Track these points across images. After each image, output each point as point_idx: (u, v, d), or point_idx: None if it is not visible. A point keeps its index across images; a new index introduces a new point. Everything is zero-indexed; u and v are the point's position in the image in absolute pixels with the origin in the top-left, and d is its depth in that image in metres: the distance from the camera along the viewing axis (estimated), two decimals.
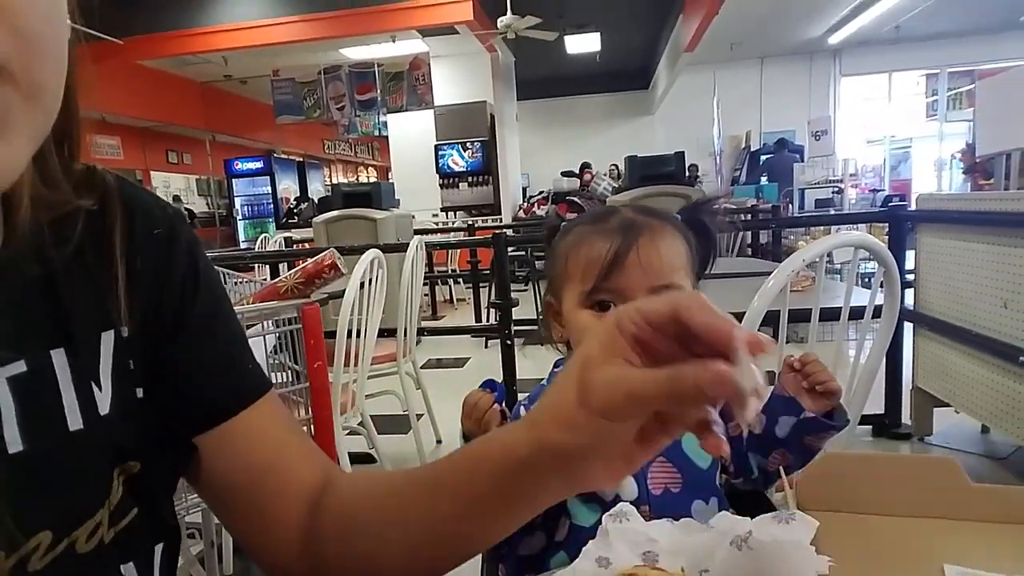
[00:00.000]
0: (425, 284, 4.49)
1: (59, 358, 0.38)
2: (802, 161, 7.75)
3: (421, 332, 3.07)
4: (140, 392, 0.43)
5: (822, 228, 4.34)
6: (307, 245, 5.21)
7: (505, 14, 5.75)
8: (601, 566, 0.45)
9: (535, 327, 4.92)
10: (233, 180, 10.64)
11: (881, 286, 1.21)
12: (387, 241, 4.29)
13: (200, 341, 0.45)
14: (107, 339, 0.41)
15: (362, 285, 1.95)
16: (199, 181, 11.16)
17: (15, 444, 0.35)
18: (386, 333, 2.44)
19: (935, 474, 0.58)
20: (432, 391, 2.81)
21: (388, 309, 2.29)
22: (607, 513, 0.52)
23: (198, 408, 0.45)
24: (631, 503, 0.69)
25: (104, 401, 0.40)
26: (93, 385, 0.39)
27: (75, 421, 0.38)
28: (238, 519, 0.47)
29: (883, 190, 9.03)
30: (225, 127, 10.31)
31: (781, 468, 0.73)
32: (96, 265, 0.41)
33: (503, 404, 0.76)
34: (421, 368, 2.89)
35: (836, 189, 6.65)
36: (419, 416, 2.63)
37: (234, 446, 0.45)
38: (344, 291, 1.86)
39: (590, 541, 0.48)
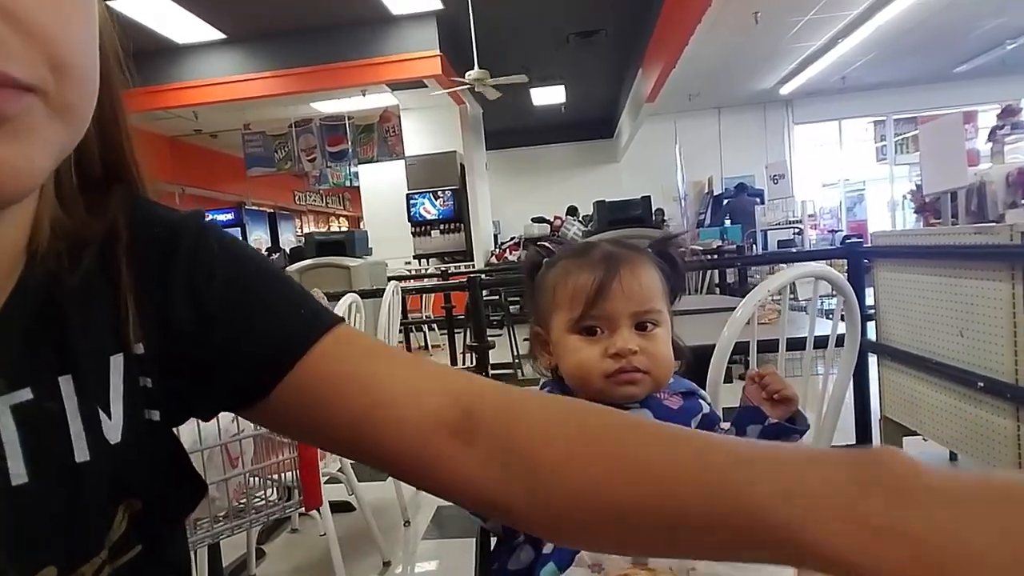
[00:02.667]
0: (400, 331, 4.48)
1: (67, 386, 0.37)
2: (762, 204, 8.05)
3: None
4: (156, 415, 0.41)
5: (783, 265, 4.51)
6: None
7: (472, 68, 5.95)
8: (595, 572, 0.47)
9: (511, 370, 4.93)
10: None
11: (843, 318, 1.27)
12: (361, 287, 4.29)
13: (228, 313, 0.41)
14: (116, 362, 0.39)
15: None
16: None
17: (19, 476, 0.34)
18: None
19: None
20: None
21: None
22: None
23: (252, 374, 0.41)
24: None
25: (113, 429, 0.38)
26: (101, 413, 0.38)
27: (82, 452, 0.37)
28: (363, 454, 0.41)
29: (841, 230, 9.40)
30: (195, 180, 10.28)
31: None
32: (105, 287, 0.39)
33: None
34: None
35: (797, 230, 6.91)
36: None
37: (313, 396, 0.40)
38: None
39: (583, 551, 0.51)
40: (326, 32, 6.30)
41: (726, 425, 0.84)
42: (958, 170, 2.64)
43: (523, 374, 4.89)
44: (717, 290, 5.30)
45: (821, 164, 10.88)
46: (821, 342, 1.32)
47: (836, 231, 9.37)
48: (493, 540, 0.92)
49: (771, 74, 8.84)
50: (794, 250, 6.47)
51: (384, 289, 2.66)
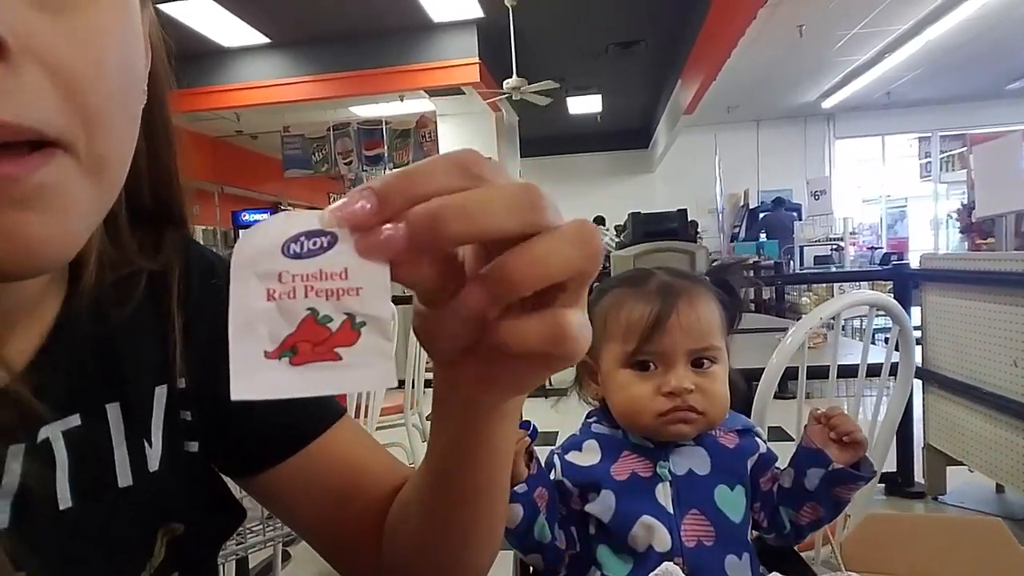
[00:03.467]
0: None
1: (113, 412, 0.38)
2: (799, 219, 7.90)
3: (427, 384, 3.06)
4: (194, 446, 0.43)
5: (824, 284, 4.39)
6: None
7: (511, 77, 5.96)
8: None
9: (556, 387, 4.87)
10: (240, 231, 10.77)
11: (895, 347, 1.23)
12: (393, 292, 4.31)
13: None
14: (160, 394, 0.41)
15: None
16: (205, 231, 11.30)
17: (65, 501, 0.35)
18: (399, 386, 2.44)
19: (982, 537, 0.59)
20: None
21: (395, 361, 2.29)
22: (653, 574, 0.53)
23: (271, 443, 0.45)
24: (665, 554, 0.70)
25: (154, 457, 0.40)
26: (144, 441, 0.39)
27: (125, 478, 0.38)
28: (324, 540, 0.47)
29: (880, 247, 9.16)
30: (234, 180, 10.50)
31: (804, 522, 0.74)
32: (154, 321, 0.41)
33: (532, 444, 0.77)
34: (427, 419, 2.87)
35: (835, 246, 6.75)
36: None
37: (314, 472, 0.46)
38: None
39: None
40: (367, 38, 6.38)
41: (782, 465, 0.80)
42: (1014, 192, 2.55)
43: (551, 383, 4.85)
44: (752, 306, 5.21)
45: (862, 180, 10.64)
46: (873, 370, 1.27)
47: (875, 248, 9.15)
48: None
49: (813, 87, 8.68)
50: (833, 268, 6.32)
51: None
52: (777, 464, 0.80)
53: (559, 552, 0.74)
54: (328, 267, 0.22)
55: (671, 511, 0.73)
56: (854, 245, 7.82)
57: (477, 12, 5.90)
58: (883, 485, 2.56)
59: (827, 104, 9.32)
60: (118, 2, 0.29)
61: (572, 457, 0.77)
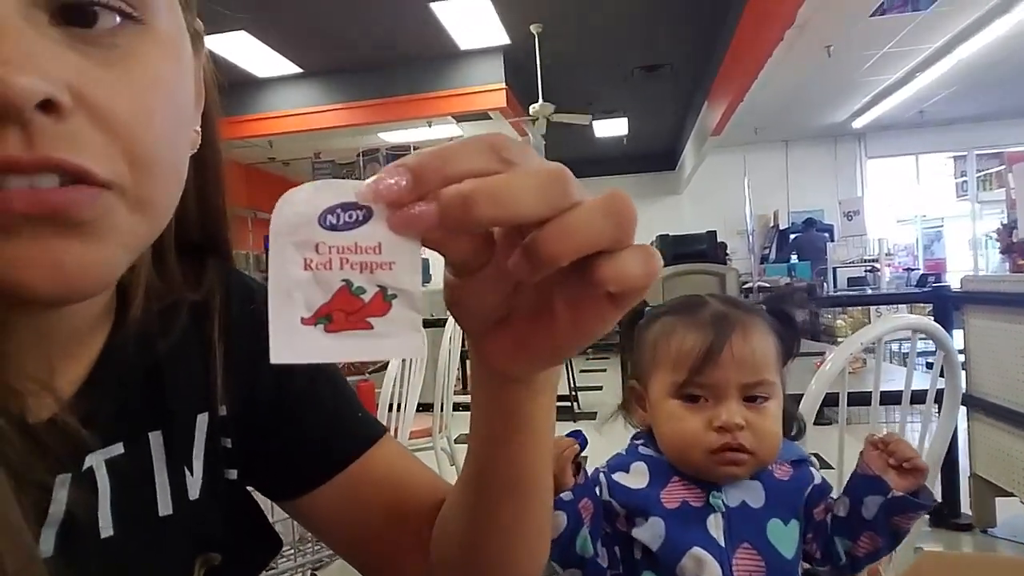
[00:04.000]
0: (459, 363, 4.49)
1: (156, 440, 0.39)
2: (832, 240, 7.76)
3: (456, 407, 3.06)
4: (234, 474, 0.43)
5: (860, 307, 4.29)
6: None
7: (537, 101, 6.02)
8: None
9: (568, 402, 4.85)
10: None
11: (939, 373, 1.18)
12: (423, 316, 4.34)
13: (305, 404, 0.46)
14: (201, 421, 0.41)
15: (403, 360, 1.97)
16: (238, 255, 11.49)
17: (107, 530, 0.35)
18: (422, 408, 2.43)
19: None
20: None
21: (424, 384, 2.30)
22: None
23: (313, 465, 0.45)
24: None
25: (194, 485, 0.40)
26: (185, 469, 0.40)
27: (165, 506, 0.38)
28: (368, 558, 0.47)
29: (917, 269, 8.94)
30: (266, 206, 10.70)
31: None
32: (196, 350, 0.42)
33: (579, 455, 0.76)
34: (455, 442, 2.85)
35: (869, 268, 6.61)
36: None
37: (358, 492, 0.46)
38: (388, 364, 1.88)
39: None
40: (396, 67, 6.52)
41: (835, 494, 0.77)
42: None
43: (579, 407, 4.81)
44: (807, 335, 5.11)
45: (895, 199, 10.43)
46: (917, 397, 1.22)
47: (912, 269, 8.93)
48: None
49: (843, 107, 8.58)
50: (868, 290, 6.18)
51: (446, 319, 2.67)
52: (831, 495, 0.77)
53: (600, 570, 0.72)
54: (363, 241, 0.23)
55: (722, 544, 0.71)
56: (889, 266, 7.64)
57: (503, 39, 5.99)
58: (928, 516, 2.46)
59: (858, 124, 9.20)
60: (170, 52, 0.30)
61: (619, 478, 0.76)
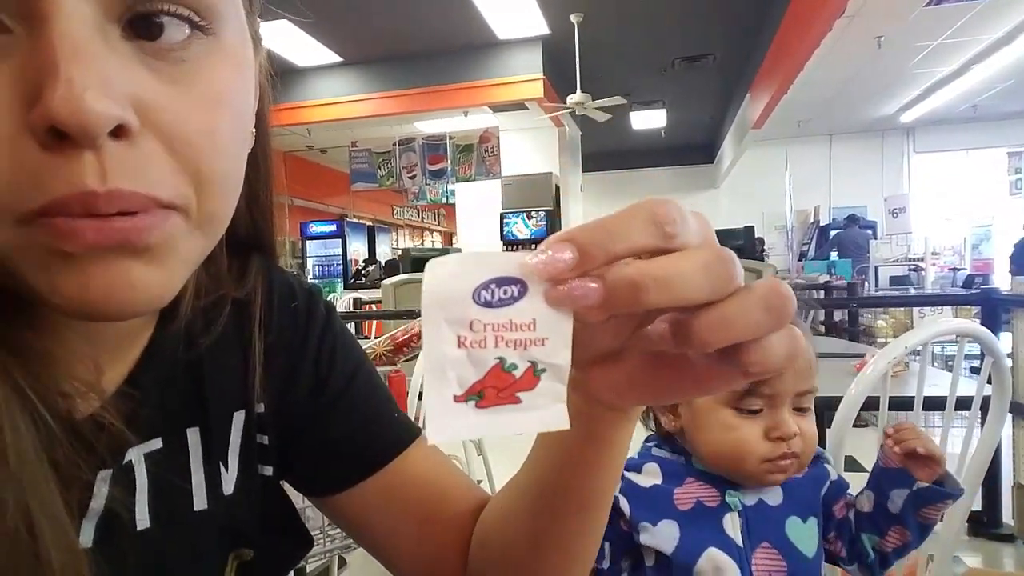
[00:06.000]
0: None
1: (193, 436, 0.39)
2: (875, 237, 7.54)
3: None
4: (269, 470, 0.44)
5: (902, 309, 4.16)
6: (375, 307, 5.36)
7: (574, 92, 5.97)
8: None
9: None
10: (307, 242, 11.16)
11: (987, 380, 1.14)
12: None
13: (343, 404, 0.46)
14: (238, 418, 0.42)
15: None
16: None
17: (143, 522, 0.36)
18: None
19: None
20: (493, 457, 2.79)
21: None
22: None
23: (349, 465, 0.45)
24: None
25: (229, 481, 0.41)
26: (221, 465, 0.40)
27: (200, 501, 0.39)
28: (401, 559, 0.47)
29: (963, 269, 8.63)
30: (303, 193, 10.91)
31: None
32: (236, 348, 0.42)
33: None
34: None
35: (914, 267, 6.40)
36: (479, 482, 2.59)
37: (392, 493, 0.46)
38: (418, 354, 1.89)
39: None
40: (435, 56, 6.54)
41: (853, 491, 0.77)
42: None
43: None
44: (822, 328, 4.99)
45: (943, 197, 10.06)
46: (963, 403, 1.19)
47: (958, 270, 8.61)
48: None
49: (891, 101, 8.31)
50: (912, 290, 5.99)
51: None
52: (849, 491, 0.77)
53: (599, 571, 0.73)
54: (517, 317, 0.23)
55: (740, 544, 0.70)
56: (935, 266, 7.39)
57: (543, 29, 5.95)
58: (967, 525, 2.39)
59: (906, 118, 8.90)
60: (236, 63, 0.30)
61: (632, 477, 0.75)
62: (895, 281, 6.57)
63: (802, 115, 8.54)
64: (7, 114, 0.24)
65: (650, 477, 0.75)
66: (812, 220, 9.90)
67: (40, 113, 0.23)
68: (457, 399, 0.23)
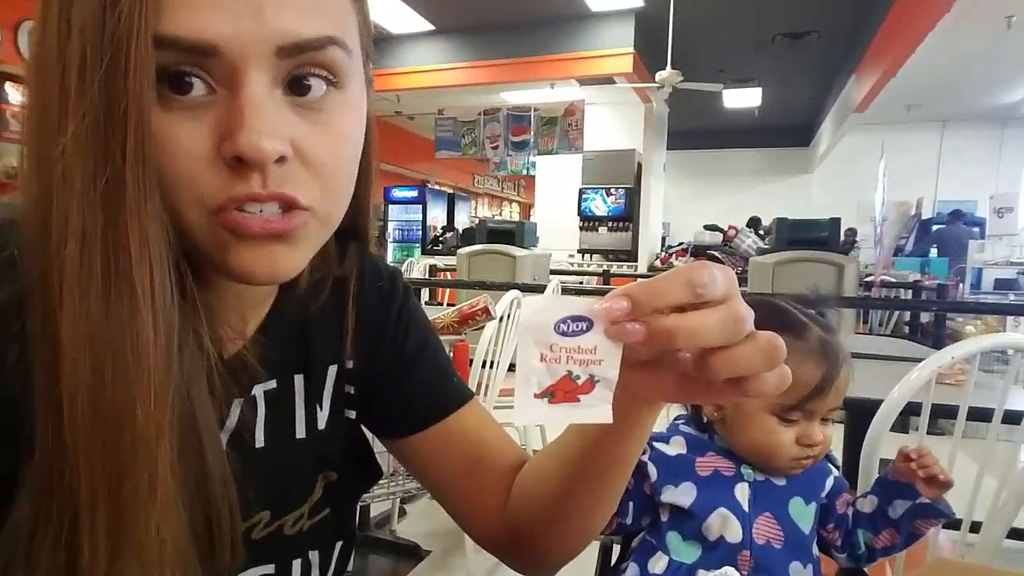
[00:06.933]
0: None
1: (299, 382, 0.51)
2: (982, 236, 6.99)
3: None
4: (352, 414, 0.55)
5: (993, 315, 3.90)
6: (450, 275, 5.53)
7: (664, 68, 5.83)
8: None
9: None
10: (390, 206, 11.54)
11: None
12: (524, 278, 4.47)
13: (414, 367, 0.57)
14: (332, 371, 0.53)
15: (500, 319, 2.08)
16: None
17: (260, 441, 0.48)
18: (512, 368, 2.56)
19: None
20: (549, 428, 2.88)
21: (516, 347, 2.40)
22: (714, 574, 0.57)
23: (415, 416, 0.57)
24: (735, 546, 0.77)
25: (322, 419, 0.52)
26: (317, 405, 0.52)
27: (300, 431, 0.51)
28: (451, 498, 0.58)
29: None
30: (389, 158, 11.25)
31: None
32: (334, 315, 0.54)
33: None
34: None
35: (1021, 271, 5.92)
36: (534, 452, 2.70)
37: (448, 442, 0.56)
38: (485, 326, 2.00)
39: None
40: (526, 27, 6.54)
41: (851, 493, 0.86)
42: None
43: None
44: (906, 328, 4.75)
45: None
46: (1013, 417, 1.16)
47: None
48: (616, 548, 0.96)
49: (1017, 89, 7.60)
50: (1012, 296, 5.54)
51: (545, 286, 2.76)
52: (847, 491, 0.86)
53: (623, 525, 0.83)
54: (584, 344, 0.33)
55: (746, 509, 0.80)
56: None
57: (638, 1, 5.82)
58: (1021, 542, 2.28)
59: None
60: (357, 110, 0.41)
61: (660, 446, 0.86)
62: (1000, 284, 6.10)
63: (912, 99, 7.98)
64: (209, 144, 0.35)
65: (676, 448, 0.85)
66: (913, 213, 9.26)
67: (230, 147, 0.34)
68: (536, 396, 0.33)
